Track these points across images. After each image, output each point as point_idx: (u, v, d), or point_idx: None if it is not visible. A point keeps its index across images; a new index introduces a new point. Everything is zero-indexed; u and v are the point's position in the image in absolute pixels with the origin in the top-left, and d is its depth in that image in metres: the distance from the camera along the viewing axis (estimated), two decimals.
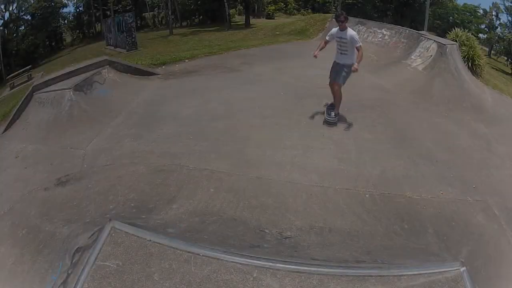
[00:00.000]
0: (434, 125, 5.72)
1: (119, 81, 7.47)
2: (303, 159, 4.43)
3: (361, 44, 5.00)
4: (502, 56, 28.40)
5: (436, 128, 5.59)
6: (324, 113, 5.64)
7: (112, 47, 19.97)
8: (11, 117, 6.86)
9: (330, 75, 5.51)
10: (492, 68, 17.15)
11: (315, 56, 5.30)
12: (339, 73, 5.31)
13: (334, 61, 5.50)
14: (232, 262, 2.26)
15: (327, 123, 5.43)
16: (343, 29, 5.14)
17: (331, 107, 5.64)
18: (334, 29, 5.32)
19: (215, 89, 7.30)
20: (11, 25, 28.55)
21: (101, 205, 3.63)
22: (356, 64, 4.88)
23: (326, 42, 5.47)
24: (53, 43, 32.06)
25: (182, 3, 32.81)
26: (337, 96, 5.40)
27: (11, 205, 4.00)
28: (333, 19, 15.62)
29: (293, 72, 8.53)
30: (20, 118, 6.60)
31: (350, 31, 5.10)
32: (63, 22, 32.45)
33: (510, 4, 28.10)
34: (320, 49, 5.39)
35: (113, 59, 8.47)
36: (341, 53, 5.32)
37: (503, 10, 29.09)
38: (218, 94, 6.92)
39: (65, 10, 31.84)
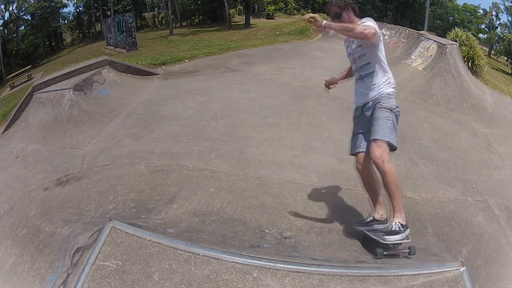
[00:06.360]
0: (434, 125, 5.72)
1: (119, 81, 7.49)
2: (303, 159, 4.42)
3: (369, 24, 2.60)
4: (502, 56, 28.52)
5: (436, 128, 5.59)
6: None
7: (112, 47, 19.98)
8: (11, 117, 6.89)
9: (354, 140, 2.95)
10: (492, 68, 17.18)
11: (328, 88, 3.37)
12: (374, 122, 2.71)
13: (356, 107, 3.01)
14: (232, 262, 2.25)
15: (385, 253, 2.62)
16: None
17: (377, 222, 2.81)
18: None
19: (215, 89, 7.29)
20: (11, 25, 28.63)
21: (101, 205, 3.63)
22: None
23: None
24: (53, 43, 32.20)
25: (182, 3, 32.91)
26: (389, 180, 2.63)
27: (11, 205, 4.00)
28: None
29: (293, 72, 8.53)
30: (20, 118, 6.63)
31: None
32: (63, 22, 32.63)
33: (510, 4, 28.19)
34: (340, 79, 3.27)
35: (113, 59, 8.51)
36: (361, 79, 2.86)
37: (503, 10, 29.20)
38: (218, 94, 6.92)
39: (65, 10, 32.25)
